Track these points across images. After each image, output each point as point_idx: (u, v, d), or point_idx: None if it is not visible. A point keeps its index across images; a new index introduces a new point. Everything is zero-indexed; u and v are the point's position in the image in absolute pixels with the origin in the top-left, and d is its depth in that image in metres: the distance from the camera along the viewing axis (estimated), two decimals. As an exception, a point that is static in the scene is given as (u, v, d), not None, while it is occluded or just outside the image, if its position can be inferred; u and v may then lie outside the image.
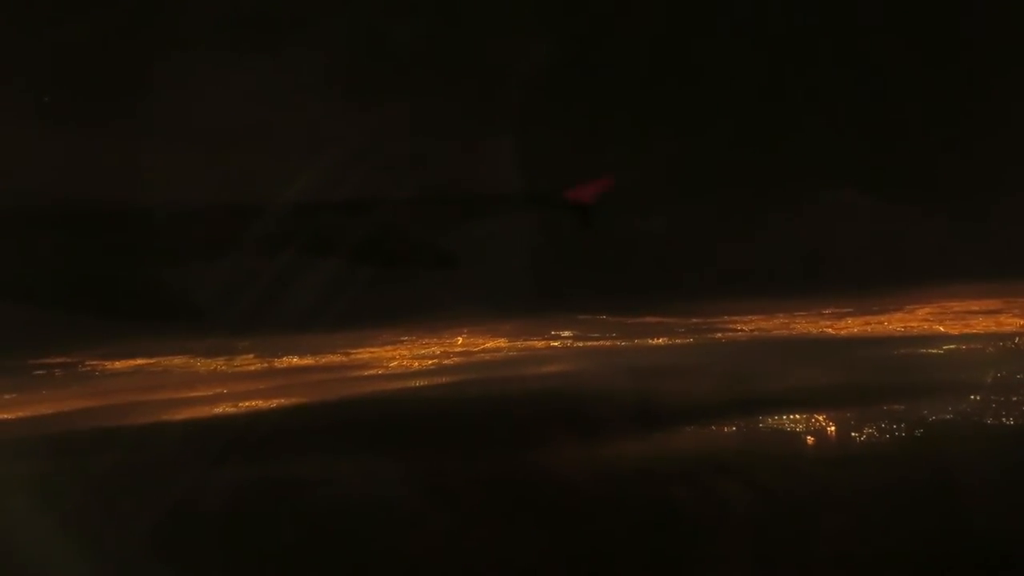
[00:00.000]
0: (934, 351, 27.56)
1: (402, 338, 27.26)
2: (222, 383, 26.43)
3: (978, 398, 24.52)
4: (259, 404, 26.38)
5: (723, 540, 16.72)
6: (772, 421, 24.41)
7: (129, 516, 15.07)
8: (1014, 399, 24.47)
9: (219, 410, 25.95)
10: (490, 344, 27.74)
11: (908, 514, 18.39)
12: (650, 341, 28.53)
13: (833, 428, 24.01)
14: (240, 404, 26.26)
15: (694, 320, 27.78)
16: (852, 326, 27.69)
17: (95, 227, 9.58)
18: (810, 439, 23.89)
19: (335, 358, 27.44)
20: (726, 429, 24.23)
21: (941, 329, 27.37)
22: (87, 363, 24.05)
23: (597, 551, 16.93)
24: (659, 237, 18.70)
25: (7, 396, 24.08)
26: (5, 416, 24.34)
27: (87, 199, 9.69)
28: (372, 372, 28.25)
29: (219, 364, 25.65)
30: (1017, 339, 26.91)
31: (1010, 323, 26.83)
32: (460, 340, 27.48)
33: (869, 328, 27.89)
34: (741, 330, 28.22)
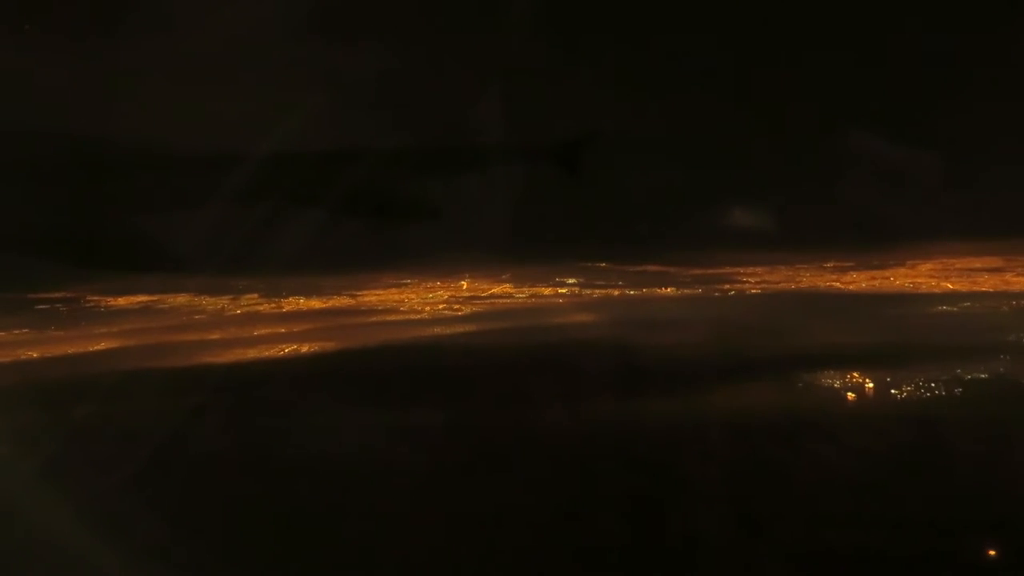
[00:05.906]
0: (947, 308, 27.29)
1: (405, 281, 27.32)
2: (238, 326, 26.69)
3: (1009, 358, 24.25)
4: (277, 351, 26.62)
5: (724, 500, 16.62)
6: (808, 377, 24.14)
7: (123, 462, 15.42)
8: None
9: (239, 355, 26.20)
10: (496, 290, 27.72)
11: (957, 473, 18.12)
12: (658, 291, 28.39)
13: (871, 386, 23.62)
14: (262, 348, 26.58)
15: (696, 271, 27.51)
16: (858, 280, 27.39)
17: (79, 172, 9.75)
18: (850, 395, 23.54)
19: (344, 300, 27.54)
20: (761, 385, 23.84)
21: (949, 286, 27.03)
22: (89, 298, 24.04)
23: (581, 504, 17.05)
24: (649, 186, 18.58)
25: (17, 332, 24.46)
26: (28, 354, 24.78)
27: (71, 141, 9.84)
28: (388, 318, 28.39)
29: (225, 303, 25.75)
30: (1030, 298, 26.66)
31: (1017, 282, 26.47)
32: (465, 285, 27.49)
33: (876, 283, 27.59)
34: (747, 282, 27.94)
